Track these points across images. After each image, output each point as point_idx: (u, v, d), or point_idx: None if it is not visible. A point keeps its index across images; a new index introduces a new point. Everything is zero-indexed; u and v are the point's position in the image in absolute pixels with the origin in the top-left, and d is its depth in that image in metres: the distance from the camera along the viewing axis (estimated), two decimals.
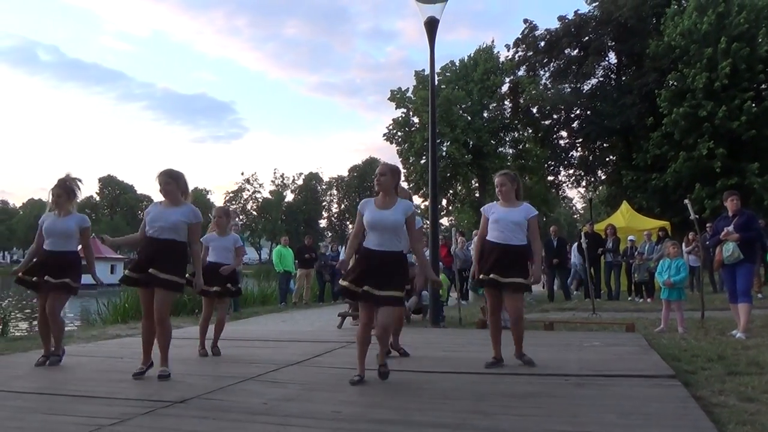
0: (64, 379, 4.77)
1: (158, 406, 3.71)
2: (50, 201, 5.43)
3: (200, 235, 4.99)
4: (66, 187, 5.37)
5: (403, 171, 41.68)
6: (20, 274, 5.46)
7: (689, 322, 7.77)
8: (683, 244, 13.11)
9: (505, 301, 4.97)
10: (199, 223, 4.85)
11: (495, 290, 4.96)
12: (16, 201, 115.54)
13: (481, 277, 4.96)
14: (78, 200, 5.52)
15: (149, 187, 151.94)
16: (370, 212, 4.42)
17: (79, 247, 5.50)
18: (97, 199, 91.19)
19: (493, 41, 40.76)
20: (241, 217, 74.67)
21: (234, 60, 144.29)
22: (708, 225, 12.25)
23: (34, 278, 5.32)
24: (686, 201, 9.37)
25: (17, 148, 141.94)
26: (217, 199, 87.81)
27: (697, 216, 9.46)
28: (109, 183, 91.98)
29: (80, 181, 5.52)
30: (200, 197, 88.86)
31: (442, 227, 35.06)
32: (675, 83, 25.24)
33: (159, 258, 4.62)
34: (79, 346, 6.97)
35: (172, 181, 4.78)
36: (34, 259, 5.51)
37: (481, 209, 5.21)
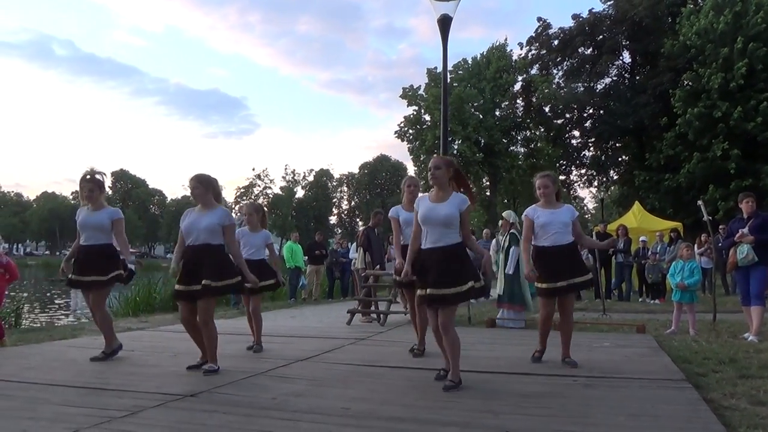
0: (76, 371, 4.82)
1: (169, 400, 3.74)
2: (81, 197, 5.47)
3: (235, 235, 5.00)
4: (97, 181, 5.43)
5: (413, 169, 41.75)
6: (69, 275, 5.45)
7: (701, 324, 7.71)
8: (695, 246, 13.01)
9: (560, 302, 5.00)
10: (233, 225, 4.89)
11: (553, 297, 5.00)
12: (30, 194, 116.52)
13: (545, 286, 4.91)
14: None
15: (161, 182, 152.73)
16: (423, 207, 4.27)
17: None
18: (110, 193, 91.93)
19: (506, 39, 40.65)
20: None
21: (246, 56, 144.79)
22: (721, 227, 12.15)
23: (71, 276, 5.37)
24: (699, 202, 9.31)
25: (32, 142, 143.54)
26: (229, 195, 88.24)
27: (710, 217, 9.39)
28: (121, 177, 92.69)
29: (104, 174, 5.61)
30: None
31: None
32: (690, 83, 25.02)
33: (202, 266, 4.65)
34: (90, 339, 7.02)
35: (200, 185, 4.83)
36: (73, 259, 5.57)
37: (524, 215, 5.13)
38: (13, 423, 3.19)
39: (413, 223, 4.56)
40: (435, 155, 4.75)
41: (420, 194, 4.86)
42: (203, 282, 4.60)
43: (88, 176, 5.41)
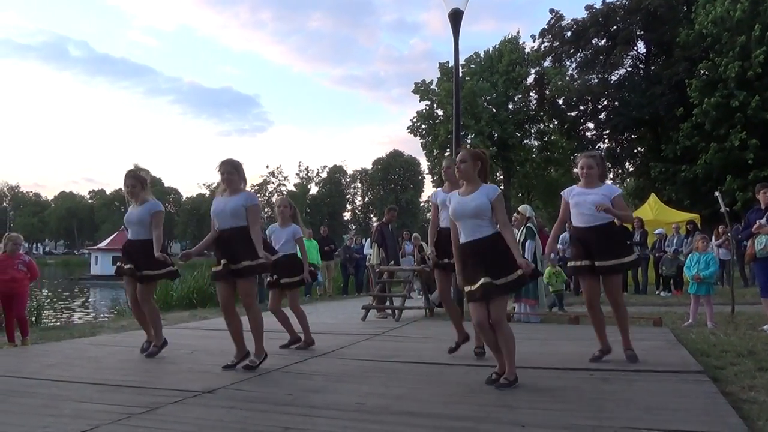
0: (96, 368, 4.89)
1: (186, 396, 3.79)
2: (126, 193, 5.56)
3: (258, 217, 4.95)
4: (138, 177, 5.51)
5: (426, 164, 41.68)
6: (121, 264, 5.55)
7: (719, 317, 7.63)
8: (713, 238, 12.86)
9: (603, 287, 4.82)
10: (256, 206, 4.89)
11: (592, 277, 4.79)
12: (48, 194, 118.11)
13: (577, 264, 4.79)
14: (149, 187, 5.62)
15: (176, 180, 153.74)
16: (453, 202, 4.20)
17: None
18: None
19: (518, 32, 40.67)
20: (266, 209, 75.32)
21: (258, 53, 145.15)
22: (741, 220, 11.99)
23: (126, 266, 5.44)
24: (717, 193, 9.20)
25: (49, 142, 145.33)
26: None
27: (728, 209, 9.27)
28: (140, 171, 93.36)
29: (147, 171, 5.68)
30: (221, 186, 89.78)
31: None
32: (706, 72, 24.65)
33: (229, 249, 4.71)
34: (109, 336, 7.13)
35: (233, 170, 4.88)
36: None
37: (561, 193, 5.03)
38: (35, 419, 3.25)
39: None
40: (462, 148, 4.64)
41: (443, 190, 5.00)
42: (223, 264, 4.65)
43: (129, 173, 5.51)
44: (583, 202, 4.75)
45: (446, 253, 4.96)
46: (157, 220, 5.40)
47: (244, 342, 4.83)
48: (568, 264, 4.97)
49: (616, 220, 4.91)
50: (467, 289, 4.06)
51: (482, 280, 3.93)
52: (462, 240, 4.13)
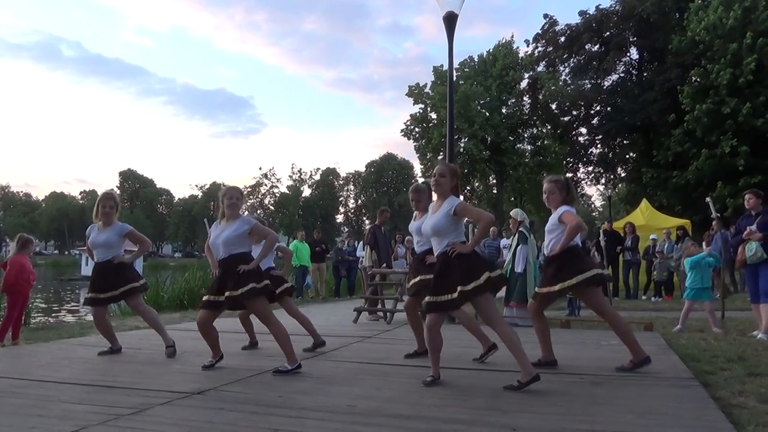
0: (85, 369, 4.85)
1: (176, 397, 3.76)
2: (101, 213, 5.64)
3: (262, 230, 4.95)
4: (116, 199, 5.77)
5: (419, 167, 41.73)
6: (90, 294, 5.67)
7: (707, 323, 7.63)
8: (703, 243, 12.93)
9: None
10: (256, 224, 4.89)
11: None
12: (39, 194, 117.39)
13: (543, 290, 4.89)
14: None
15: (169, 182, 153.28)
16: (418, 222, 4.45)
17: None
18: (118, 193, 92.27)
19: (512, 36, 40.59)
20: (259, 211, 75.16)
21: (253, 55, 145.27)
22: (731, 227, 12.06)
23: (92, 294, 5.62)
24: (708, 199, 9.25)
25: (41, 142, 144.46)
26: None
27: (718, 214, 9.32)
28: (129, 177, 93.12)
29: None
30: (218, 192, 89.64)
31: None
32: (698, 79, 24.82)
33: (228, 278, 4.70)
34: (98, 337, 7.05)
35: (241, 197, 4.98)
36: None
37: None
38: (23, 420, 3.22)
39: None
40: (442, 162, 4.69)
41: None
42: (226, 294, 4.69)
43: (111, 194, 5.82)
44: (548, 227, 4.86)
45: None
46: (134, 235, 5.70)
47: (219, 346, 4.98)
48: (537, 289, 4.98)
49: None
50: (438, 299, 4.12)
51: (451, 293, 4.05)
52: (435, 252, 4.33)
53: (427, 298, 4.18)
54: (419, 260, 5.14)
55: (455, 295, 4.03)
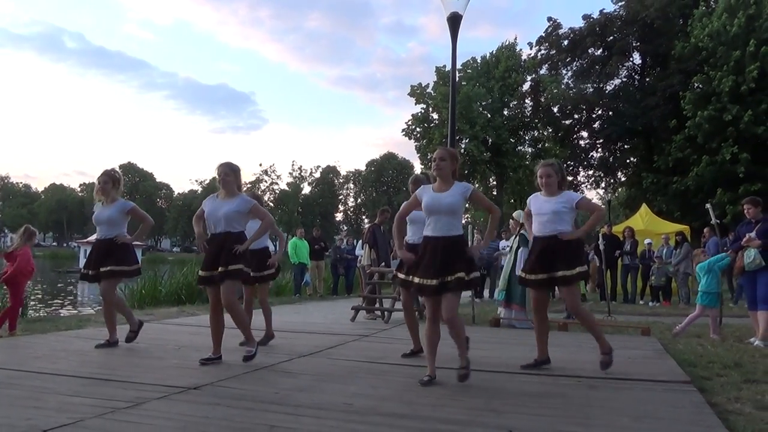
0: (81, 361, 4.85)
1: (172, 392, 3.76)
2: (96, 191, 5.66)
3: (259, 212, 5.00)
4: (111, 175, 5.65)
5: (420, 167, 41.71)
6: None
7: (704, 329, 7.63)
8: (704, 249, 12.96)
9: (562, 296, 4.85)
10: (255, 205, 4.94)
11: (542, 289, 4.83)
12: (39, 185, 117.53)
13: (522, 275, 4.85)
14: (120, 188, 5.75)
15: (168, 176, 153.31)
16: (427, 196, 4.27)
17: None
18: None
19: (515, 39, 40.58)
20: None
21: (255, 51, 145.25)
22: (730, 235, 12.08)
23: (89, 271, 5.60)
24: (708, 206, 9.25)
25: (41, 134, 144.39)
26: None
27: (718, 221, 9.33)
28: (129, 170, 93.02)
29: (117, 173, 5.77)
30: (218, 187, 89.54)
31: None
32: (700, 85, 24.86)
33: (221, 253, 4.75)
34: (95, 330, 7.06)
35: (231, 173, 4.92)
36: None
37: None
38: (19, 411, 3.22)
39: (417, 221, 4.80)
40: (440, 147, 4.65)
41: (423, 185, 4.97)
42: (219, 269, 4.73)
43: (106, 171, 5.66)
44: (541, 210, 4.77)
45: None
46: (137, 212, 5.65)
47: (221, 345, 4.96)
48: (519, 273, 4.98)
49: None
50: (419, 281, 4.16)
51: (440, 278, 4.07)
52: (428, 233, 4.24)
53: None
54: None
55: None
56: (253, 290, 6.17)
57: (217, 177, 4.94)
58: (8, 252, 6.71)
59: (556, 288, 5.11)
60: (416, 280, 4.19)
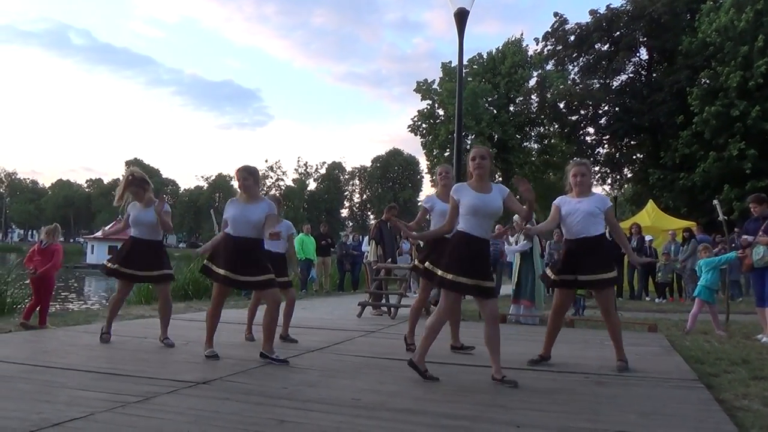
0: (91, 356, 4.88)
1: (181, 387, 3.78)
2: (133, 197, 5.63)
3: (273, 222, 4.90)
4: (145, 180, 5.67)
5: (425, 163, 41.61)
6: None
7: (711, 325, 7.62)
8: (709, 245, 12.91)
9: (597, 299, 4.76)
10: (275, 216, 4.90)
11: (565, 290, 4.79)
12: (46, 181, 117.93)
13: (556, 278, 4.73)
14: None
15: (175, 172, 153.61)
16: (470, 197, 4.17)
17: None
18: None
19: (522, 34, 40.43)
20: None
21: (261, 48, 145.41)
22: (736, 230, 12.04)
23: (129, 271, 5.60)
24: (715, 202, 9.23)
25: (48, 130, 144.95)
26: None
27: (725, 217, 9.30)
28: (135, 166, 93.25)
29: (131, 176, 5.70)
30: (224, 183, 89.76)
31: None
32: (707, 81, 24.71)
33: (248, 260, 4.71)
34: (103, 324, 7.11)
35: (249, 176, 4.88)
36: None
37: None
38: (30, 405, 3.25)
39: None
40: (477, 146, 4.56)
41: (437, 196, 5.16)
42: (246, 278, 4.71)
43: (140, 176, 5.64)
44: (574, 211, 4.66)
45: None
46: (169, 217, 5.67)
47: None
48: (549, 273, 4.85)
49: (608, 233, 4.93)
50: (460, 280, 4.07)
51: (478, 281, 4.06)
52: (473, 233, 4.15)
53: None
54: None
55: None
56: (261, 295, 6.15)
57: (237, 182, 4.91)
58: (44, 248, 6.91)
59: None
60: (465, 280, 4.07)
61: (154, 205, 5.53)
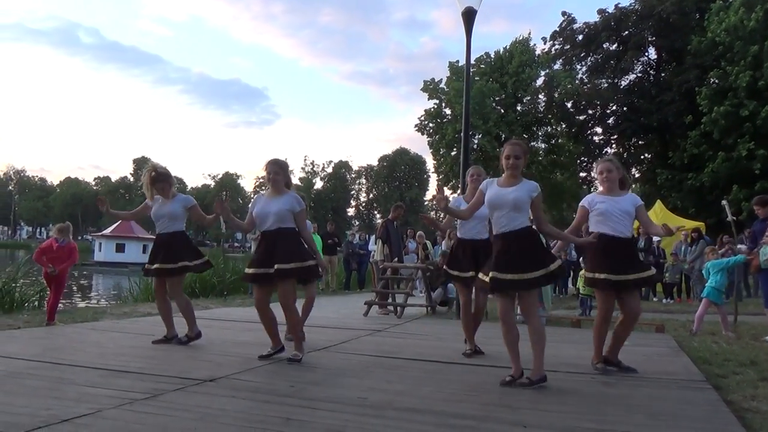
0: (99, 353, 4.91)
1: (188, 384, 3.80)
2: (158, 192, 5.61)
3: (305, 221, 4.92)
4: (168, 175, 5.68)
5: (432, 162, 41.60)
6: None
7: (719, 326, 7.58)
8: (716, 246, 12.84)
9: (623, 301, 4.56)
10: (303, 210, 4.83)
11: (611, 291, 4.55)
12: (54, 179, 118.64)
13: (603, 277, 4.47)
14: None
15: (182, 170, 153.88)
16: (490, 191, 4.15)
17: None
18: (131, 180, 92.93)
19: (529, 33, 40.27)
20: None
21: (268, 46, 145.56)
22: (745, 231, 11.99)
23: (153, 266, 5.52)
24: (724, 202, 9.17)
25: (57, 127, 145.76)
26: (248, 184, 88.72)
27: (734, 218, 9.24)
28: (143, 164, 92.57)
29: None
30: (231, 182, 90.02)
31: None
32: (717, 81, 24.57)
33: (277, 251, 4.63)
34: (111, 322, 7.16)
35: (280, 170, 4.84)
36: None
37: (580, 204, 4.77)
38: (39, 401, 3.27)
39: (476, 216, 4.65)
40: (513, 141, 4.39)
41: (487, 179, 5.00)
42: (276, 267, 4.59)
43: (163, 173, 5.64)
44: (611, 210, 4.49)
45: (465, 265, 5.03)
46: (197, 210, 5.67)
47: (279, 335, 4.91)
48: (593, 276, 4.61)
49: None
50: (491, 275, 4.00)
51: (513, 275, 3.96)
52: (496, 231, 4.12)
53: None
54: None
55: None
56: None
57: (267, 175, 4.85)
58: (62, 245, 7.05)
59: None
60: (510, 276, 4.00)
61: (176, 198, 5.57)
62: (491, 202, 4.12)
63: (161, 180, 5.56)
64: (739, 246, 6.85)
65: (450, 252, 5.39)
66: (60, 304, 7.61)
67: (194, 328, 5.54)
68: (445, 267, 5.34)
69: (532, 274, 3.97)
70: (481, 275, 4.27)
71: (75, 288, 21.11)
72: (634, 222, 4.64)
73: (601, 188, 4.75)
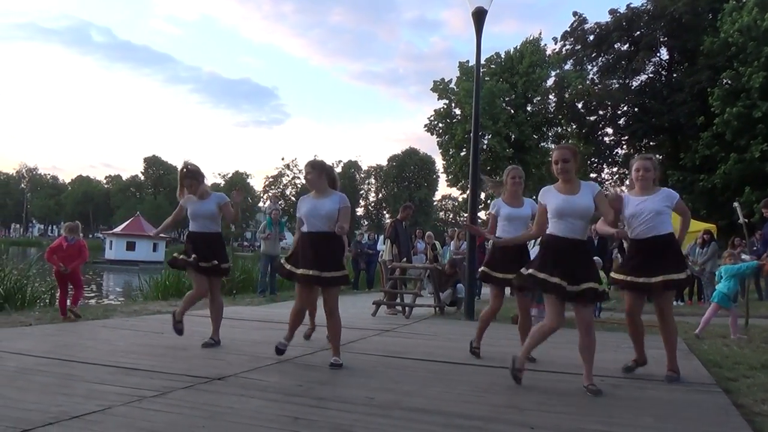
0: (109, 350, 4.94)
1: (197, 382, 3.82)
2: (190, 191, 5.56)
3: (348, 218, 4.71)
4: (197, 173, 5.55)
5: (441, 163, 41.58)
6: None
7: (728, 329, 7.51)
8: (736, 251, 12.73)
9: (656, 303, 4.50)
10: (348, 208, 4.68)
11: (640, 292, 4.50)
12: (66, 177, 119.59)
13: (629, 279, 4.45)
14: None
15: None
16: (556, 200, 4.02)
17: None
18: (142, 178, 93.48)
19: (540, 34, 40.18)
20: (281, 202, 75.56)
21: (278, 46, 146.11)
22: (758, 233, 11.87)
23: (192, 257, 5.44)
24: (736, 204, 9.08)
25: (69, 126, 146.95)
26: (258, 184, 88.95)
27: (746, 220, 9.15)
28: (153, 163, 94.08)
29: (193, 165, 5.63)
30: (241, 181, 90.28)
31: (480, 220, 34.71)
32: (729, 82, 24.37)
33: (320, 256, 4.54)
34: (121, 320, 7.21)
35: (313, 170, 4.73)
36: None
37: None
38: (49, 398, 3.30)
39: (515, 218, 4.86)
40: (560, 145, 4.33)
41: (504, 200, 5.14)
42: (322, 274, 4.51)
43: (193, 170, 5.53)
44: (641, 210, 4.40)
45: (500, 267, 5.01)
46: (228, 207, 5.57)
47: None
48: (620, 277, 4.58)
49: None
50: (555, 280, 3.90)
51: (586, 285, 3.92)
52: (561, 234, 4.00)
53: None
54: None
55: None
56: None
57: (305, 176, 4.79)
58: (71, 244, 7.20)
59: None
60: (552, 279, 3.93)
61: (210, 197, 5.53)
62: (560, 210, 3.98)
63: (189, 176, 5.50)
64: (743, 256, 6.77)
65: (491, 255, 5.28)
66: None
67: (218, 334, 5.48)
68: (484, 268, 5.21)
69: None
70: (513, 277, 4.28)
71: (90, 286, 21.25)
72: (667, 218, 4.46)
73: (634, 187, 4.58)
